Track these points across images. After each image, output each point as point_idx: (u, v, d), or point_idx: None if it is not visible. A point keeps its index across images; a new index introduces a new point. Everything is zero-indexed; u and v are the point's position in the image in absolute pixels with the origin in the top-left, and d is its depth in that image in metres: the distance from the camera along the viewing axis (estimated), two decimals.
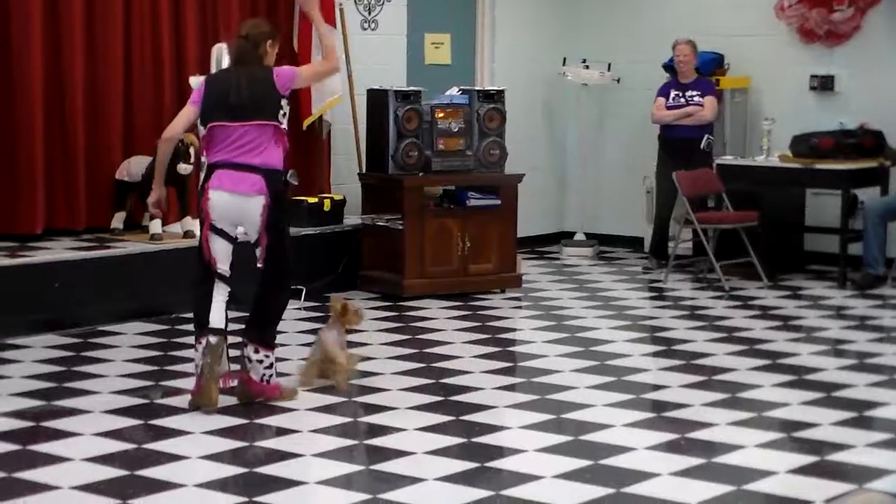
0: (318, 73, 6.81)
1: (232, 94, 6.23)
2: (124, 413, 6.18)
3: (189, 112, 6.37)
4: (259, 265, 6.33)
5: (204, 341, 6.17)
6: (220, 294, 6.26)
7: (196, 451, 5.63)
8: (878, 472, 5.40)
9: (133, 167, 8.74)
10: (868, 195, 10.07)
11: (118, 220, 8.81)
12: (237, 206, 6.22)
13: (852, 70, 10.52)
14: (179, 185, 8.67)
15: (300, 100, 9.57)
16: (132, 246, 8.48)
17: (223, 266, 6.28)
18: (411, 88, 9.39)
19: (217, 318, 6.20)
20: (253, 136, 6.25)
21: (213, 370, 6.14)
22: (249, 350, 6.35)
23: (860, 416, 6.29)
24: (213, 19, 9.43)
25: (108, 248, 8.43)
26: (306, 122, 9.55)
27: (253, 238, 6.34)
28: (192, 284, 6.38)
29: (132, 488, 5.14)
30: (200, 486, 5.20)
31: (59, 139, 8.76)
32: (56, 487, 5.15)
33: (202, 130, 6.33)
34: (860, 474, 5.39)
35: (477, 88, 9.71)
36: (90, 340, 7.72)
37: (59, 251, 8.25)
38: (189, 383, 6.75)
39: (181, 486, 5.20)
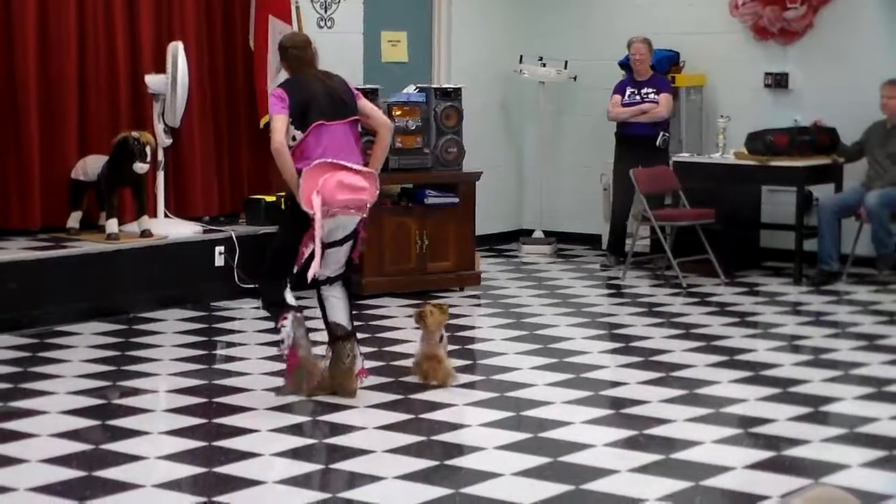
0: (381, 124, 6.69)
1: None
2: (82, 413, 6.15)
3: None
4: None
5: (290, 315, 6.36)
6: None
7: (154, 451, 5.61)
8: (834, 467, 5.44)
9: (89, 166, 8.69)
10: (823, 192, 10.15)
11: (74, 220, 8.76)
12: None
13: (805, 67, 10.60)
14: (136, 185, 8.65)
15: (258, 98, 9.56)
16: (88, 246, 8.43)
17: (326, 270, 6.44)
18: (368, 86, 9.35)
19: (292, 297, 6.45)
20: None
21: (307, 338, 6.46)
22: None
23: (816, 411, 6.34)
24: (168, 18, 9.39)
25: (65, 247, 8.38)
26: (263, 121, 9.51)
27: (348, 233, 6.46)
28: (270, 284, 6.45)
29: (90, 489, 5.12)
30: (159, 486, 5.18)
31: (14, 138, 8.69)
32: (12, 489, 5.11)
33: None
34: (816, 469, 5.44)
35: (434, 86, 9.72)
36: (47, 341, 7.67)
37: (14, 251, 8.19)
38: (146, 383, 6.76)
39: (139, 486, 5.17)
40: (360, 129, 6.64)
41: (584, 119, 11.48)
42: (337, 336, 6.46)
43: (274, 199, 9.30)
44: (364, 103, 6.60)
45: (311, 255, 6.26)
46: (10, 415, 6.13)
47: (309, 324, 6.55)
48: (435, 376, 6.66)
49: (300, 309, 6.46)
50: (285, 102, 6.29)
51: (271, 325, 8.05)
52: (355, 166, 6.31)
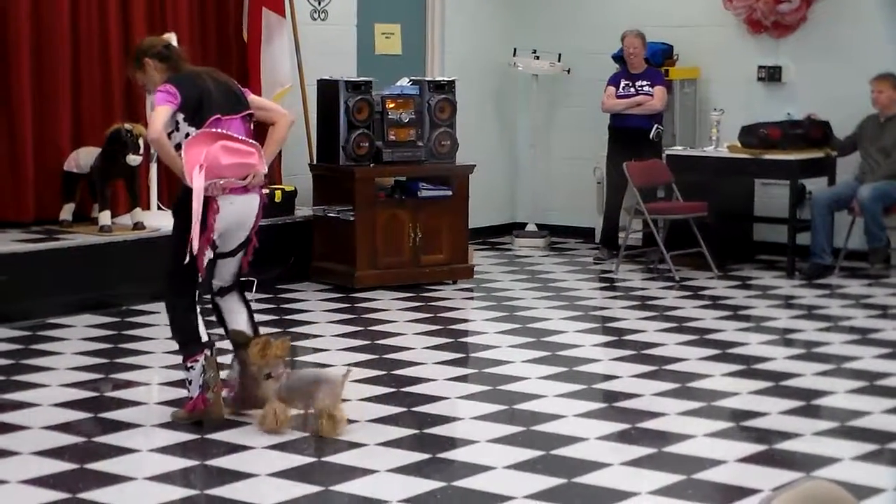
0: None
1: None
2: (74, 406, 6.15)
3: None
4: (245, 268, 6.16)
5: (202, 357, 5.89)
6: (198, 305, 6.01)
7: (146, 443, 5.62)
8: (826, 461, 5.45)
9: (82, 158, 8.68)
10: (816, 186, 10.16)
11: (67, 212, 8.75)
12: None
13: (799, 61, 10.61)
14: (129, 177, 8.64)
15: (250, 90, 9.53)
16: (81, 238, 8.42)
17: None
18: (362, 79, 9.38)
19: (204, 330, 5.96)
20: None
21: (217, 382, 5.95)
22: None
23: (808, 404, 6.35)
24: (161, 9, 9.38)
25: (57, 240, 8.37)
26: None
27: (241, 241, 6.06)
28: (176, 302, 5.95)
29: (82, 481, 5.12)
30: (151, 478, 5.18)
31: (6, 131, 8.68)
32: (4, 482, 5.11)
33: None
34: (808, 462, 5.45)
35: (427, 79, 9.71)
36: (39, 333, 7.66)
37: (7, 243, 8.18)
38: (139, 376, 6.75)
39: (132, 479, 5.17)
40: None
41: (577, 112, 11.48)
42: (239, 343, 6.10)
43: (267, 191, 9.27)
44: (255, 97, 6.32)
45: (213, 258, 5.91)
46: (2, 407, 6.13)
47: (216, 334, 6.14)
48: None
49: (212, 345, 5.93)
50: (175, 97, 5.84)
51: (265, 317, 8.10)
52: (239, 136, 5.92)
